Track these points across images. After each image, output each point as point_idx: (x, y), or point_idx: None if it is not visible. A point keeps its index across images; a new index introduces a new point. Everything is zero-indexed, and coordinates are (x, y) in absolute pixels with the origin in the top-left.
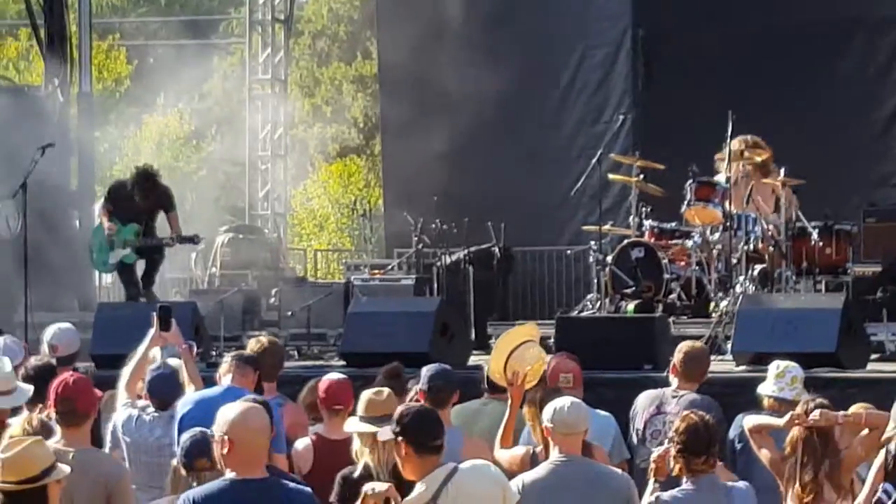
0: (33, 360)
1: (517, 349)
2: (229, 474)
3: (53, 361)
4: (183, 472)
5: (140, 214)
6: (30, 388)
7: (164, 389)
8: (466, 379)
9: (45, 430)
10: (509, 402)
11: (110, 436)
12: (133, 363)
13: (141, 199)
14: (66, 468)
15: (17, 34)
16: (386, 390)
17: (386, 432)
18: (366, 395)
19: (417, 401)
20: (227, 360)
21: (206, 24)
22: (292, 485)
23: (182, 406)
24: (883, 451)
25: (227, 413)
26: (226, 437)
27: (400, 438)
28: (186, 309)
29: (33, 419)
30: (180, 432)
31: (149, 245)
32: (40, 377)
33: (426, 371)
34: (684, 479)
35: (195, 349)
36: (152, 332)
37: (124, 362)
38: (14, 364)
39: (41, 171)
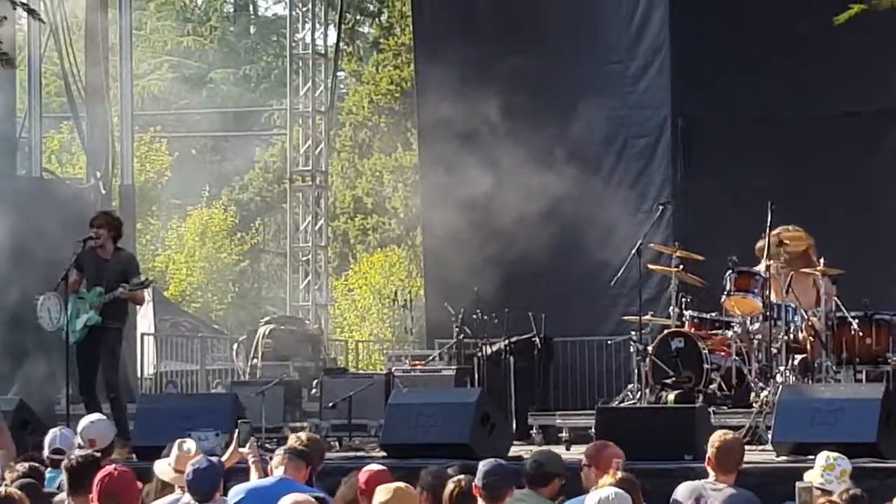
0: (77, 452)
1: None
2: None
3: (97, 454)
4: None
5: (106, 276)
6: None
7: (203, 482)
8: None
9: None
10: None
11: None
12: None
13: (96, 229)
14: None
15: (59, 127)
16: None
17: None
18: None
19: (472, 495)
20: (279, 453)
21: (247, 115)
22: None
23: (234, 495)
24: None
25: None
26: None
27: None
28: (227, 400)
29: None
30: None
31: (110, 300)
32: (84, 470)
33: (482, 466)
34: None
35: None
36: (232, 447)
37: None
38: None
39: None
